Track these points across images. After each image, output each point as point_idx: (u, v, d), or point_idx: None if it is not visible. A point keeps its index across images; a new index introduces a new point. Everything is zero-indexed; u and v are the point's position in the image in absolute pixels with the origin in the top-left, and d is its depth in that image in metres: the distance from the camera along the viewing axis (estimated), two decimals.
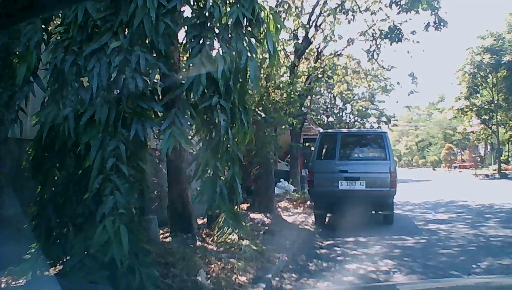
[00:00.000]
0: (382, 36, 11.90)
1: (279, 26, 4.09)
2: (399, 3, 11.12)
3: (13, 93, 3.40)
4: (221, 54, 3.60)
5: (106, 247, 3.08)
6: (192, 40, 3.67)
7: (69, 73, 3.28)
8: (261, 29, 3.90)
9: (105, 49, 3.28)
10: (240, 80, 3.91)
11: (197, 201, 4.36)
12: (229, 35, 3.72)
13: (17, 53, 3.46)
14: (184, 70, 4.14)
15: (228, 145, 3.72)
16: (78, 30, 3.35)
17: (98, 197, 3.28)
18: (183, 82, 3.68)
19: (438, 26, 11.32)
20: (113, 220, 3.12)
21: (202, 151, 3.81)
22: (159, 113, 3.75)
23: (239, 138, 3.90)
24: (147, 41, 3.45)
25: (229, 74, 3.57)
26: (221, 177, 3.77)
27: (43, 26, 3.54)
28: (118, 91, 3.31)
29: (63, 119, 3.23)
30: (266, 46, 3.96)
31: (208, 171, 3.73)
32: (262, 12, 3.92)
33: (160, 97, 3.84)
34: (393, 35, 11.56)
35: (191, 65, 3.64)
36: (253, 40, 3.87)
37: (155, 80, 3.69)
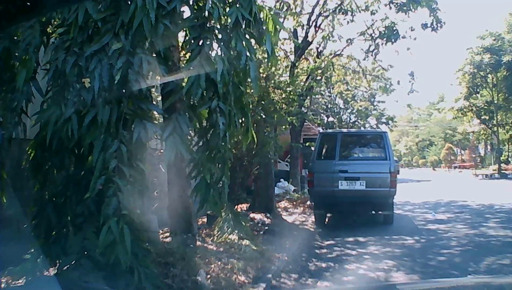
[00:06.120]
0: (379, 36, 11.91)
1: (278, 27, 4.09)
2: (397, 3, 11.14)
3: (14, 96, 3.41)
4: (220, 55, 3.60)
5: (111, 248, 3.10)
6: (192, 42, 3.68)
7: (71, 74, 3.29)
8: (260, 29, 3.90)
9: (106, 50, 3.28)
10: (239, 81, 3.92)
11: (193, 200, 4.40)
12: (229, 36, 3.72)
13: (18, 55, 3.46)
14: (184, 71, 4.15)
15: (224, 147, 3.74)
16: (78, 31, 3.36)
17: (98, 198, 3.29)
18: (183, 85, 3.69)
19: (435, 27, 11.35)
20: (117, 221, 3.13)
21: (200, 152, 3.84)
22: (156, 115, 3.76)
23: (239, 139, 3.92)
24: (147, 43, 3.46)
25: (228, 76, 3.58)
26: (213, 178, 3.82)
27: (42, 29, 3.54)
28: (119, 92, 3.32)
29: (66, 120, 3.24)
30: (265, 47, 3.96)
31: (203, 172, 3.77)
32: (262, 12, 3.92)
33: (161, 99, 3.85)
34: (390, 35, 11.57)
35: (191, 68, 3.64)
36: (252, 40, 3.88)
37: (155, 82, 3.71)
